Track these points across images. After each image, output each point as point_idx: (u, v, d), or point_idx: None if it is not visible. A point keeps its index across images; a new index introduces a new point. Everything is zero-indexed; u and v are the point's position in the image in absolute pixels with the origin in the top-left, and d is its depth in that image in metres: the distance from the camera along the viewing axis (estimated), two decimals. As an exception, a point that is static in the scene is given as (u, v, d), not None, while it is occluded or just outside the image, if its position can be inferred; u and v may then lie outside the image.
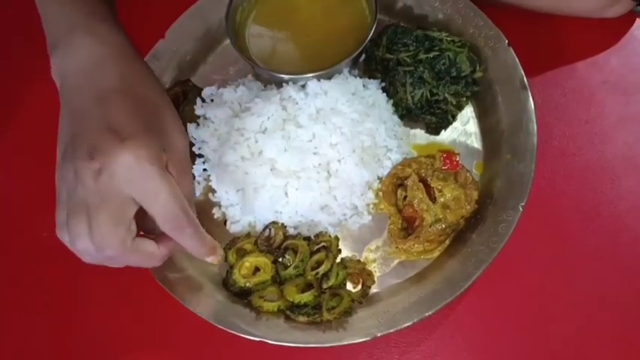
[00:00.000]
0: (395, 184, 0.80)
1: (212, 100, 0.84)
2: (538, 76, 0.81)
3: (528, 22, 0.87)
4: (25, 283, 0.85)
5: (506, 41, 0.83)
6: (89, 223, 0.61)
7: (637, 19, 0.87)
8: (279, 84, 0.83)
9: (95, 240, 0.61)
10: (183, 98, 0.85)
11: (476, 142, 0.84)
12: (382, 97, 0.83)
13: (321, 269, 0.76)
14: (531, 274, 0.77)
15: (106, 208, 0.61)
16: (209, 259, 0.69)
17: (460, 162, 0.79)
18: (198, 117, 0.84)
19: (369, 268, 0.78)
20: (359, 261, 0.79)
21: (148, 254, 0.66)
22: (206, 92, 0.85)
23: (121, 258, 0.64)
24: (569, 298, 0.76)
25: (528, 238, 0.76)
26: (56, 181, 0.64)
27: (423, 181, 0.78)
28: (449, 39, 0.84)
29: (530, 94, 0.80)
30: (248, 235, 0.80)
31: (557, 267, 0.77)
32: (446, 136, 0.84)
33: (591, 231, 0.78)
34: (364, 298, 0.76)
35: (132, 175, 0.60)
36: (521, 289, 0.76)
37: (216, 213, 0.83)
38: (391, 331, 0.71)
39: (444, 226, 0.76)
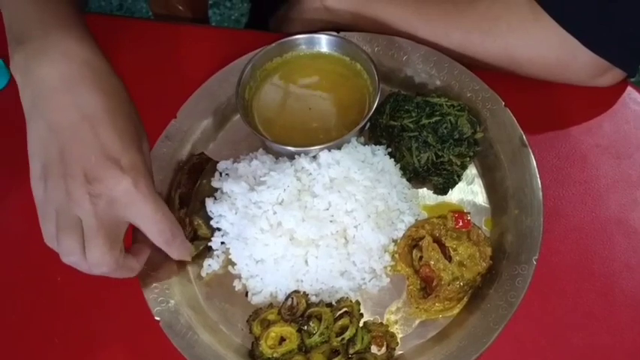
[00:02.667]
0: (410, 246, 0.83)
1: (227, 175, 0.87)
2: (533, 139, 0.85)
3: (522, 87, 0.92)
4: (37, 325, 0.86)
5: (503, 102, 0.88)
6: (84, 243, 0.66)
7: (628, 86, 0.92)
8: (291, 156, 0.87)
9: (91, 259, 0.67)
10: (201, 169, 0.88)
11: (482, 200, 0.87)
12: (390, 162, 0.87)
13: (347, 334, 0.77)
14: (525, 329, 0.79)
15: (103, 231, 0.66)
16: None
17: (471, 220, 0.82)
18: (215, 190, 0.86)
19: (392, 330, 0.80)
20: (381, 324, 0.80)
21: (130, 269, 0.74)
22: (221, 166, 0.89)
23: (109, 274, 0.70)
24: (563, 355, 0.78)
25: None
26: (35, 191, 0.68)
27: (437, 241, 0.81)
28: (448, 104, 0.88)
29: (530, 151, 0.84)
30: (271, 305, 0.82)
31: (551, 323, 0.80)
32: (454, 195, 0.88)
33: (585, 289, 0.81)
34: (390, 358, 0.78)
35: (131, 201, 0.66)
36: (513, 345, 0.78)
37: (237, 285, 0.85)
38: (422, 390, 0.72)
39: (461, 283, 0.78)
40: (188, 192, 0.86)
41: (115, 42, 1.05)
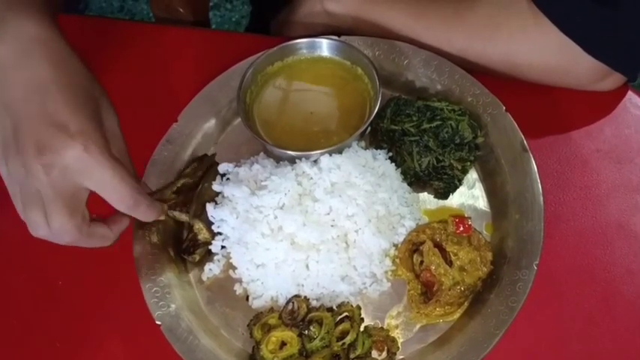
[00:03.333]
0: (411, 250, 0.83)
1: (228, 179, 0.87)
2: (533, 144, 0.85)
3: (522, 91, 0.92)
4: (38, 330, 0.87)
5: (504, 107, 0.88)
6: (45, 214, 0.66)
7: (629, 90, 0.92)
8: (292, 160, 0.87)
9: (53, 229, 0.67)
10: (204, 173, 0.88)
11: (483, 205, 0.87)
12: (391, 166, 0.87)
13: (347, 339, 0.77)
14: (525, 335, 0.79)
15: (61, 200, 0.66)
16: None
17: (472, 225, 0.82)
18: (216, 195, 0.87)
19: (393, 335, 0.80)
20: (382, 328, 0.81)
21: (102, 237, 0.72)
22: (222, 167, 0.89)
23: (77, 243, 0.70)
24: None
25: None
26: (2, 173, 0.69)
27: (437, 245, 0.81)
28: (449, 108, 0.88)
29: (531, 156, 0.84)
30: (271, 309, 0.82)
31: (552, 328, 0.80)
32: (454, 200, 0.88)
33: (586, 294, 0.81)
34: (391, 364, 0.78)
35: (84, 166, 0.65)
36: (514, 350, 0.78)
37: (238, 289, 0.85)
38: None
39: (462, 288, 0.78)
40: (194, 185, 0.87)
41: (117, 45, 1.05)
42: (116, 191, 0.68)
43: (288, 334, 0.78)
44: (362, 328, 0.80)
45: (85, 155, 0.65)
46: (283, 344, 0.79)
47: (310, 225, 0.80)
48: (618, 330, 0.79)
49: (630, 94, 0.93)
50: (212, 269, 0.86)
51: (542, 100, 0.93)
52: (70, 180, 0.66)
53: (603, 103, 0.93)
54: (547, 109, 0.93)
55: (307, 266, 0.80)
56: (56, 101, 0.66)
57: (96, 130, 0.67)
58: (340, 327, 0.79)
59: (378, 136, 0.91)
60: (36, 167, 0.64)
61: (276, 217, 0.81)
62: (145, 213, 0.73)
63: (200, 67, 1.01)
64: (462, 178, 0.88)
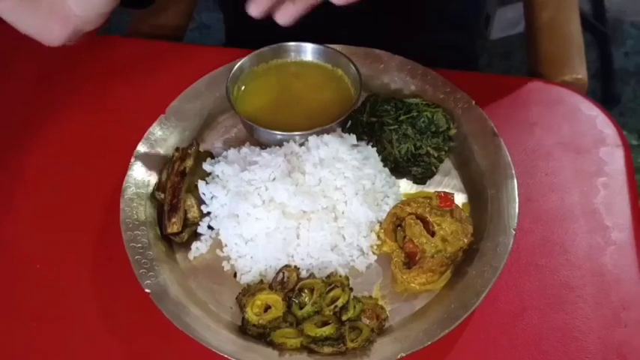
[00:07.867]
0: (395, 223, 0.87)
1: (218, 160, 0.90)
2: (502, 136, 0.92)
3: (490, 92, 1.01)
4: (17, 311, 0.85)
5: (474, 101, 0.96)
6: None
7: (580, 96, 1.03)
8: (278, 145, 0.90)
9: None
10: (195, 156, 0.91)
11: (459, 188, 0.93)
12: (373, 151, 0.92)
13: (339, 302, 0.78)
14: (506, 300, 0.84)
15: None
16: None
17: (454, 201, 0.87)
18: (208, 175, 0.89)
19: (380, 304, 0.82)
20: (370, 297, 0.82)
21: None
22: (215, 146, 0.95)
23: None
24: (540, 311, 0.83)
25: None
26: None
27: (420, 218, 0.85)
28: (423, 103, 0.96)
29: (501, 139, 0.91)
30: (261, 282, 0.82)
31: (531, 295, 0.85)
32: (431, 188, 0.93)
33: (559, 263, 0.87)
34: (381, 330, 0.79)
35: None
36: (495, 313, 0.83)
37: (226, 266, 0.85)
38: (415, 350, 0.74)
39: (444, 256, 0.82)
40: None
41: (120, 58, 1.11)
42: None
43: (273, 297, 0.79)
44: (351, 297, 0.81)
45: None
46: (269, 308, 0.79)
47: (301, 195, 0.83)
48: (585, 291, 0.84)
49: (581, 98, 1.03)
50: (199, 248, 0.87)
51: (508, 101, 1.02)
52: None
53: (560, 106, 1.03)
54: (511, 108, 1.02)
55: (298, 235, 0.82)
56: None
57: None
58: (331, 294, 0.80)
59: (359, 129, 0.96)
60: None
61: (267, 189, 0.84)
62: None
63: (186, 76, 1.04)
64: (438, 166, 0.94)
